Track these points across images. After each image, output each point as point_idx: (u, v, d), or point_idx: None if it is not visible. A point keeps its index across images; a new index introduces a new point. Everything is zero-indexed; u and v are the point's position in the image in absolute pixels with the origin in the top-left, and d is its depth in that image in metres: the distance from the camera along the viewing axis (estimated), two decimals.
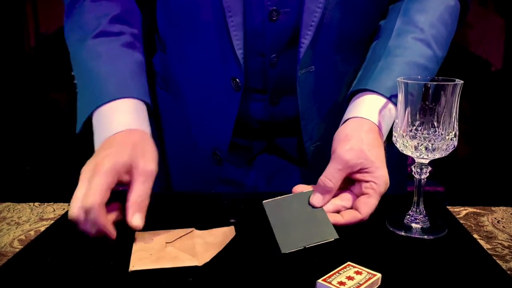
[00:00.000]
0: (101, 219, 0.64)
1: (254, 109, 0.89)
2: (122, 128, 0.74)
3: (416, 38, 0.81)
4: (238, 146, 0.92)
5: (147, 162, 0.69)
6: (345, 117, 0.79)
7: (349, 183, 0.74)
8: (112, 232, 0.66)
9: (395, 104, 0.75)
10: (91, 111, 0.77)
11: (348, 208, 0.73)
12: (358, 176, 0.73)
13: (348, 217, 0.71)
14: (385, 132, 0.78)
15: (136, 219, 0.66)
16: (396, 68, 0.78)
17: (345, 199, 0.74)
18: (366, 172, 0.72)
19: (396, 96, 0.74)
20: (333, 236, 0.68)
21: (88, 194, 0.64)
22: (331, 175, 0.72)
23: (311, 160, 0.91)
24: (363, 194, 0.72)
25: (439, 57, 0.82)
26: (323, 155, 0.86)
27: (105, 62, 0.80)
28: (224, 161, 0.91)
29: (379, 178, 0.72)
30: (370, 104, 0.78)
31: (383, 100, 0.77)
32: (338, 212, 0.73)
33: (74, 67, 0.84)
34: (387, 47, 0.81)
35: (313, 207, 0.72)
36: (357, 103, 0.79)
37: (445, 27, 0.83)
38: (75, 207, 0.64)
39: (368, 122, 0.76)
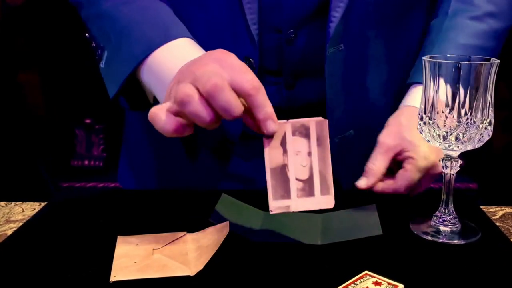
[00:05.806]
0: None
1: (267, 94, 0.89)
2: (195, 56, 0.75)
3: (470, 17, 0.87)
4: (250, 136, 0.92)
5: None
6: (400, 106, 0.90)
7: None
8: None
9: None
10: (141, 59, 0.78)
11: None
12: (400, 158, 0.84)
13: (383, 184, 0.83)
14: None
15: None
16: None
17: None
18: (406, 152, 0.83)
19: None
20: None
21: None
22: (374, 158, 0.84)
23: (336, 155, 0.91)
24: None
25: (499, 31, 0.88)
26: (349, 149, 0.87)
27: (140, 7, 0.82)
28: (232, 154, 0.91)
29: (417, 153, 0.82)
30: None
31: None
32: None
33: (94, 25, 0.85)
34: (441, 30, 0.88)
35: (360, 189, 0.84)
36: (410, 93, 0.90)
37: None
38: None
39: (415, 109, 0.81)
